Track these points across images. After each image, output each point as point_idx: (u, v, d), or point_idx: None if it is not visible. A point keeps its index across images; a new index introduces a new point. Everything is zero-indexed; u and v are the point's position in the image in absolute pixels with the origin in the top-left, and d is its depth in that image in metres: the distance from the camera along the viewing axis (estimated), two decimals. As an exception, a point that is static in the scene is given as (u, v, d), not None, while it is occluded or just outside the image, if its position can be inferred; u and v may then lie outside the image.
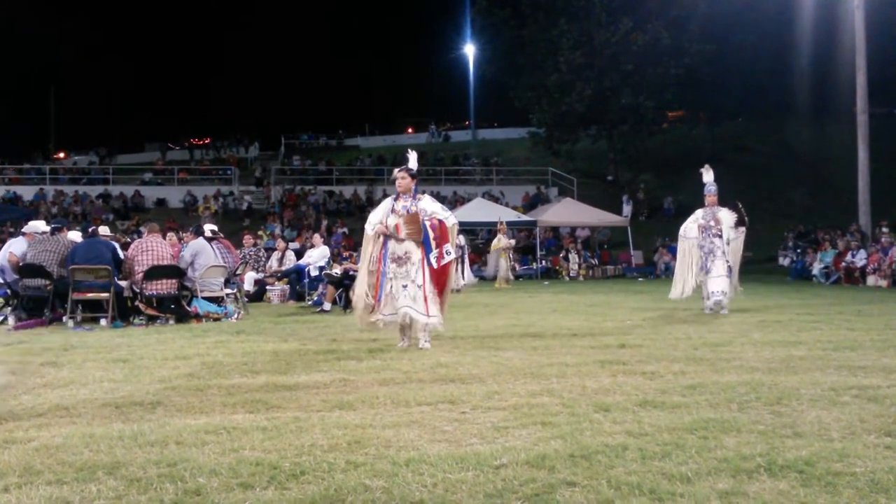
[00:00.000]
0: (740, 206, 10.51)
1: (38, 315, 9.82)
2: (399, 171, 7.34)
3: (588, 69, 31.06)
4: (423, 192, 7.47)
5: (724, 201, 10.65)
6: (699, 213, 10.68)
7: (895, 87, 33.69)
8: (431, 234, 7.04)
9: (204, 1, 62.34)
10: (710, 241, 10.38)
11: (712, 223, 10.39)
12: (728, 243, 10.32)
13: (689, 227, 10.73)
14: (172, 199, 31.32)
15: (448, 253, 7.09)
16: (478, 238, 26.49)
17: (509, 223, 25.28)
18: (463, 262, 16.82)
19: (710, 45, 30.59)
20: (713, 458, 3.29)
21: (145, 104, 58.50)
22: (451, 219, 7.24)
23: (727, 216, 10.40)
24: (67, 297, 9.66)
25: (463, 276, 16.66)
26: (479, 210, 24.36)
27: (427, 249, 7.04)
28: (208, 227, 12.24)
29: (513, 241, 19.86)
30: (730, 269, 10.29)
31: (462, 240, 17.06)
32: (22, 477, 3.14)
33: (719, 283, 10.21)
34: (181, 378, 5.51)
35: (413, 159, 7.52)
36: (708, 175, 10.64)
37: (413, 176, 7.30)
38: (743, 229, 10.49)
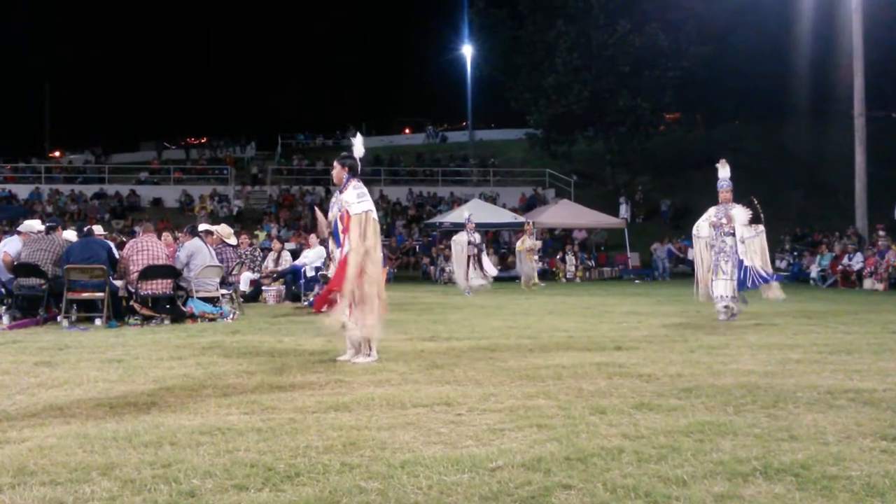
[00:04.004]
0: (756, 202, 9.83)
1: (32, 314, 9.80)
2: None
3: (585, 71, 31.12)
4: (357, 181, 6.51)
5: (737, 199, 9.98)
6: (712, 210, 10.06)
7: (892, 91, 33.75)
8: (340, 227, 6.37)
9: None
10: (721, 239, 9.80)
11: (724, 221, 9.78)
12: (742, 241, 9.63)
13: (701, 226, 10.16)
14: (168, 198, 31.27)
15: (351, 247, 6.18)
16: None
17: (506, 224, 25.33)
18: (479, 261, 16.73)
19: (707, 47, 30.70)
20: (709, 462, 3.29)
21: (141, 103, 58.37)
22: (355, 207, 6.27)
23: (741, 213, 9.69)
24: (62, 297, 9.63)
25: (475, 275, 16.53)
26: (476, 211, 24.31)
27: (337, 244, 6.48)
28: (203, 227, 12.22)
29: (539, 243, 19.85)
30: (745, 268, 9.55)
31: (477, 238, 17.00)
32: (15, 477, 3.12)
33: (723, 287, 9.67)
34: (176, 378, 5.49)
35: (357, 144, 6.69)
36: (724, 170, 9.96)
37: (346, 165, 6.51)
38: (761, 227, 9.77)
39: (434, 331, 8.55)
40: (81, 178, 33.32)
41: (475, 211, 23.25)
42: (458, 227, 21.45)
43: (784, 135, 35.06)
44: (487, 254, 18.48)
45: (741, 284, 9.69)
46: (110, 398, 4.76)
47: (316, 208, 6.77)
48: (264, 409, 4.42)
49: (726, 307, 9.70)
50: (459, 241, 16.76)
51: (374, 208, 6.45)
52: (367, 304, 6.18)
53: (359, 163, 6.64)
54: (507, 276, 22.01)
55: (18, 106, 47.08)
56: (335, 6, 67.32)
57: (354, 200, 6.32)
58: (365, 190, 6.49)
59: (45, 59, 48.66)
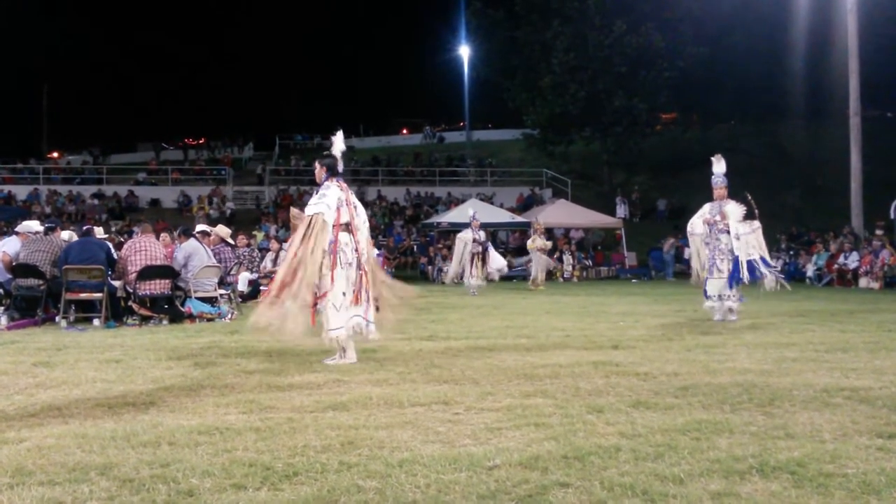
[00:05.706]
0: (750, 197, 9.62)
1: (30, 315, 9.79)
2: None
3: (582, 71, 31.11)
4: (334, 181, 6.25)
5: (731, 196, 9.73)
6: (706, 207, 9.84)
7: (888, 90, 33.84)
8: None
9: (199, 0, 62.24)
10: (715, 237, 9.54)
11: (718, 217, 9.51)
12: (738, 238, 9.36)
13: (696, 223, 9.93)
14: (166, 199, 31.24)
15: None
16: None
17: (503, 224, 25.32)
18: (483, 260, 16.58)
19: (703, 47, 30.69)
20: (705, 460, 3.30)
21: (139, 103, 58.40)
22: (310, 208, 6.04)
23: (734, 210, 9.44)
24: (60, 297, 9.63)
25: (476, 274, 16.40)
26: (474, 211, 24.36)
27: None
28: (201, 227, 12.22)
29: (549, 243, 19.73)
30: (747, 262, 9.25)
31: (482, 235, 16.89)
32: (14, 477, 3.13)
33: (718, 286, 9.44)
34: (174, 378, 5.49)
35: (337, 142, 6.44)
36: (718, 165, 9.62)
37: (323, 164, 6.28)
38: (757, 224, 9.53)
39: (432, 330, 8.56)
40: (79, 179, 33.29)
41: (472, 210, 23.33)
42: (455, 227, 21.40)
43: (780, 135, 35.14)
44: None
45: (733, 280, 9.40)
46: (108, 398, 4.76)
47: (293, 207, 6.58)
48: (262, 408, 4.43)
49: (725, 312, 9.48)
50: (464, 239, 16.65)
51: (327, 210, 6.01)
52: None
53: (338, 161, 6.41)
54: (505, 276, 22.02)
55: (17, 106, 47.05)
56: (334, 6, 67.41)
57: (313, 201, 6.08)
58: (331, 192, 6.15)
59: (44, 59, 48.65)
